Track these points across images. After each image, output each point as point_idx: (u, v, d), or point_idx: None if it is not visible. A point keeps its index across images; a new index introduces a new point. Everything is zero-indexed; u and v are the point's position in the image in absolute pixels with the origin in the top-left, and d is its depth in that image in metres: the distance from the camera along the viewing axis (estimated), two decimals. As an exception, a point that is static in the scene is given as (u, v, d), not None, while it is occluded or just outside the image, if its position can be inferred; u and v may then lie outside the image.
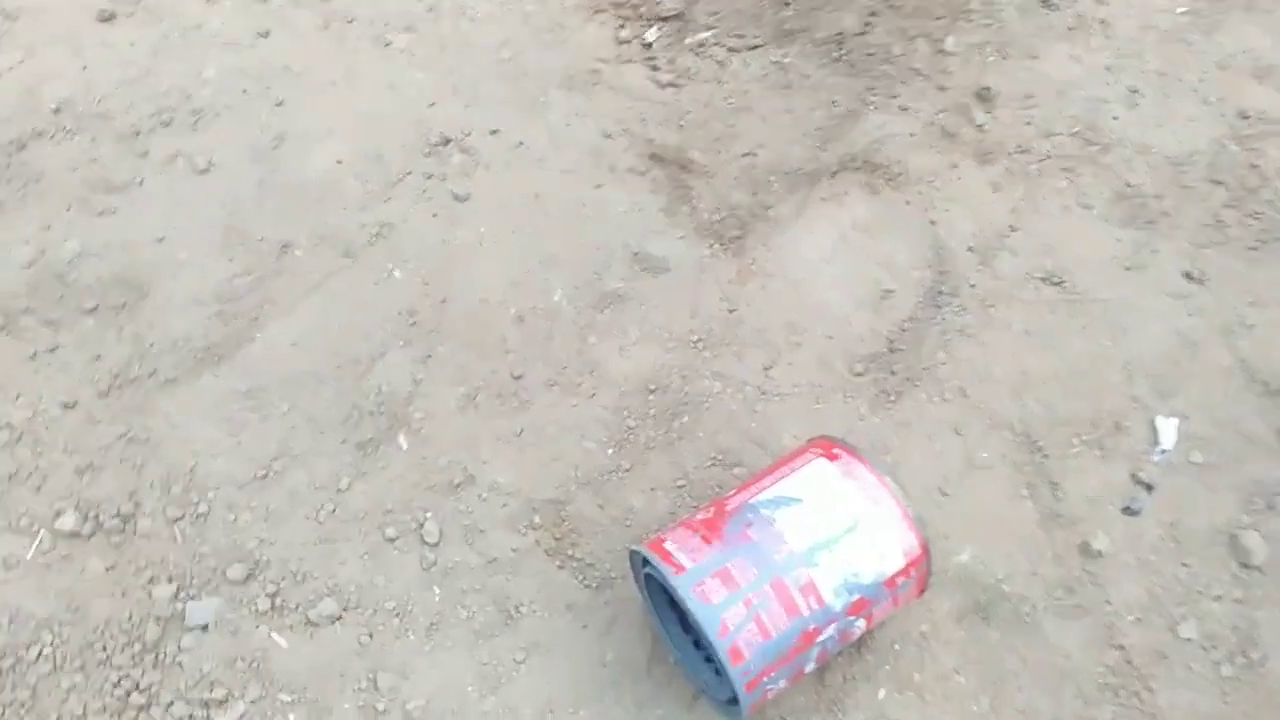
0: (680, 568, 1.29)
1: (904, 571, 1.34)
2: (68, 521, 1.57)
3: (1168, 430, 1.67)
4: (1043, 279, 1.87)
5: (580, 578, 1.56)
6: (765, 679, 1.28)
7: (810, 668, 1.34)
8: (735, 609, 1.26)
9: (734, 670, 1.25)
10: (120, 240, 1.87)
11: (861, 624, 1.35)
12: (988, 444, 1.69)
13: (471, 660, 1.49)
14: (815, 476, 1.37)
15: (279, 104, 2.06)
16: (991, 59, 2.17)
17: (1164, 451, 1.65)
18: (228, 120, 2.04)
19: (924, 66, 2.14)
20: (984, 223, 1.94)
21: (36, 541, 1.57)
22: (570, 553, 1.58)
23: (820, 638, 1.31)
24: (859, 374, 1.76)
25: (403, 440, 1.67)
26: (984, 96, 2.09)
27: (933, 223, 1.93)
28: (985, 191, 1.98)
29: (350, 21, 2.20)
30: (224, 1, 2.22)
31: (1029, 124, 2.07)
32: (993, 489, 1.65)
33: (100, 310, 1.79)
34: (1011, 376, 1.76)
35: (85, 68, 2.10)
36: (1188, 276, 1.87)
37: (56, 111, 2.03)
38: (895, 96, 2.10)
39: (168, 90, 2.07)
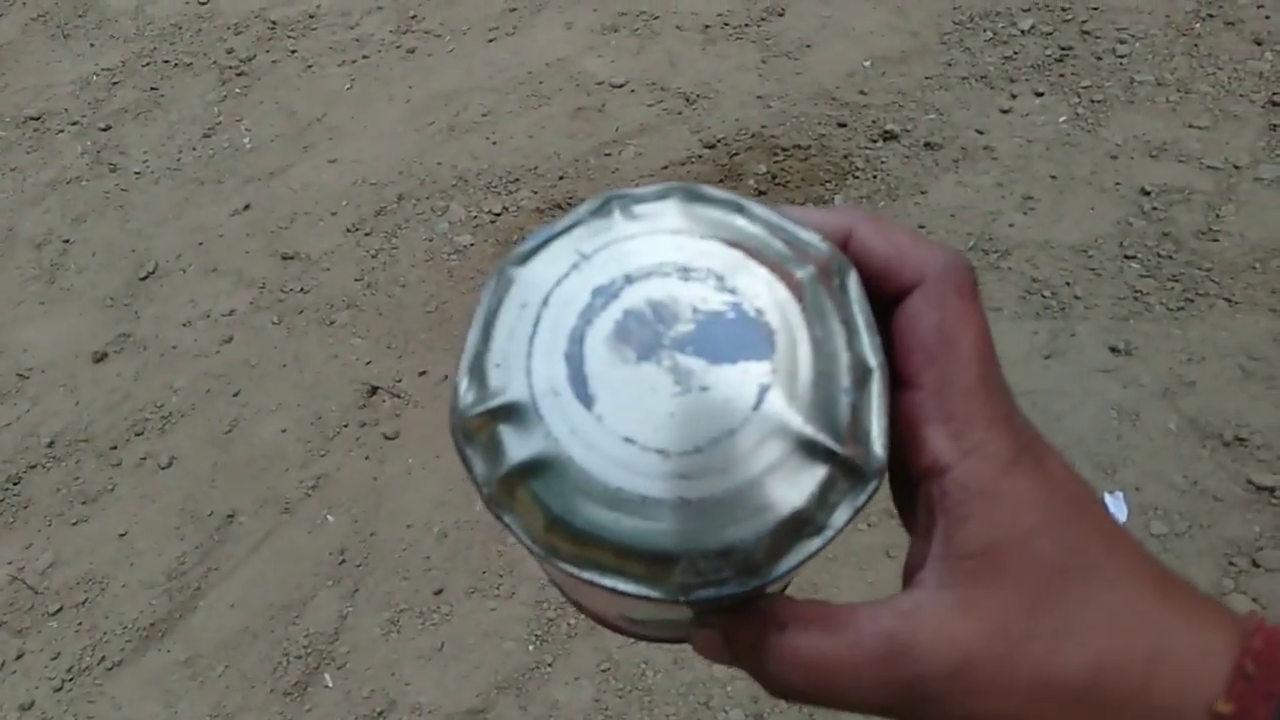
0: None
1: None
2: (10, 825, 1.56)
3: (1116, 506, 1.51)
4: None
5: (503, 790, 1.44)
6: None
7: None
8: None
9: None
10: (89, 544, 2.00)
11: None
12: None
13: None
14: None
15: (236, 394, 2.25)
16: (882, 204, 2.24)
17: (1117, 529, 1.49)
18: (191, 418, 2.23)
19: (815, 225, 2.22)
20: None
21: None
22: (493, 764, 1.47)
23: None
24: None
25: (328, 678, 1.64)
26: (876, 236, 2.14)
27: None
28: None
29: (300, 313, 2.44)
30: (198, 324, 2.50)
31: (925, 250, 2.09)
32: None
33: (64, 611, 1.88)
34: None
35: (78, 403, 2.36)
36: (1114, 350, 1.78)
37: (50, 445, 2.26)
38: (791, 257, 2.16)
39: (144, 405, 2.30)
